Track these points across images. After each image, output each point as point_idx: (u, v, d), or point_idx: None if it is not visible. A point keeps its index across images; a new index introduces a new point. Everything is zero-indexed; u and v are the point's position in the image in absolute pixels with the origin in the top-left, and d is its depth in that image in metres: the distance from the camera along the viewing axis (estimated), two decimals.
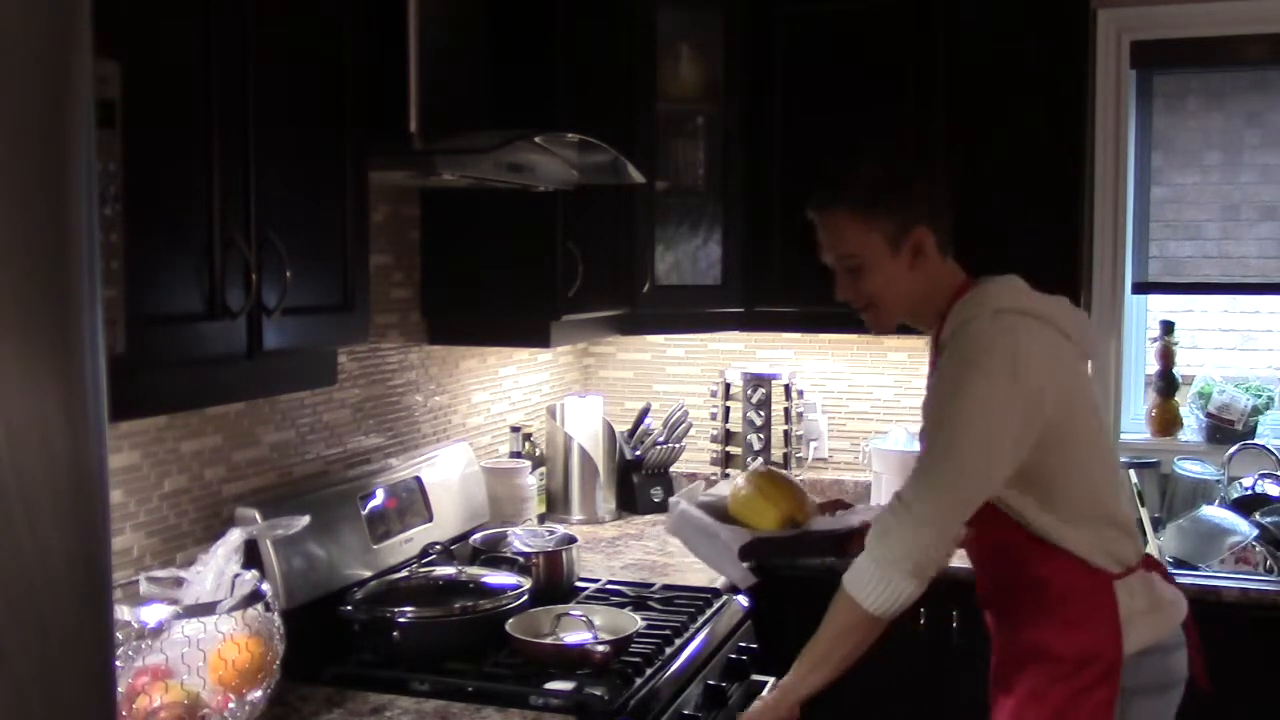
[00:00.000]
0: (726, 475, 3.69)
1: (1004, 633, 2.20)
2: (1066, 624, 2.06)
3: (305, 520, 2.13)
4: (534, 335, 2.94)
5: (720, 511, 2.49)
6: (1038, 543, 2.06)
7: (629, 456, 3.65)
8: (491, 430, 3.34)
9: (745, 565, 2.38)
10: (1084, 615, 2.05)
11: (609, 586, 2.78)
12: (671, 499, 2.55)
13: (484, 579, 2.51)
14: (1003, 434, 1.96)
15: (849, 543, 2.27)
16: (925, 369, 3.70)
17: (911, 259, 2.08)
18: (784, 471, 2.54)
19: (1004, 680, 2.17)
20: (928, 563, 1.94)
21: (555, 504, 3.48)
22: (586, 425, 3.48)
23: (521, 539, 2.77)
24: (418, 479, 2.75)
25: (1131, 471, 3.34)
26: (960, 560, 3.08)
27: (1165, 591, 2.15)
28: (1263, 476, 3.28)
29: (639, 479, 3.65)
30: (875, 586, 1.95)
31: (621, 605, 2.58)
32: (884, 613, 1.96)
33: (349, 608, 2.30)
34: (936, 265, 2.11)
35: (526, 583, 2.46)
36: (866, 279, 2.12)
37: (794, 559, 2.75)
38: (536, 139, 2.45)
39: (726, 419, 3.69)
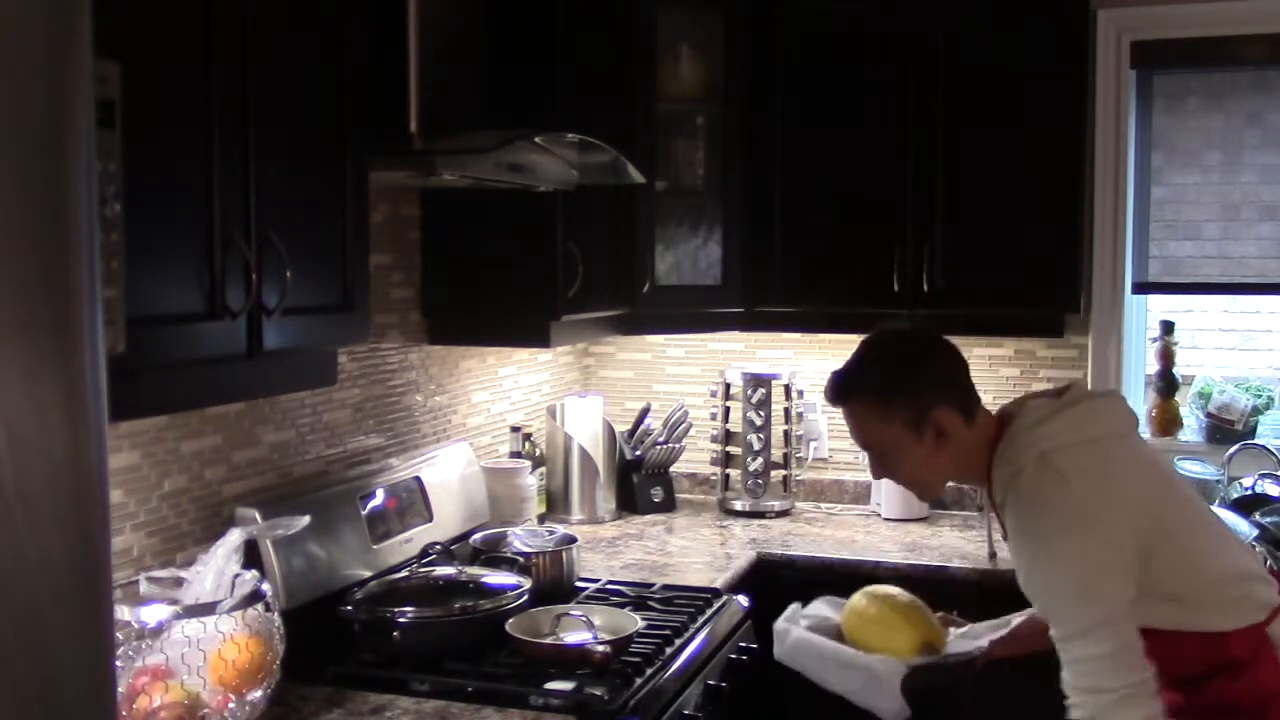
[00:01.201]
0: (740, 483, 3.69)
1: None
2: (1236, 678, 2.02)
3: (305, 520, 2.13)
4: (534, 335, 2.94)
5: (832, 632, 2.31)
6: (1171, 633, 2.02)
7: (629, 456, 3.64)
8: (491, 430, 3.34)
9: (900, 698, 2.20)
10: (1252, 668, 2.01)
11: (609, 586, 2.78)
12: (777, 625, 2.33)
13: (484, 579, 2.51)
14: (1107, 576, 1.93)
15: (985, 666, 2.26)
16: None
17: (935, 440, 2.05)
18: (905, 592, 2.35)
19: None
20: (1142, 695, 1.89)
21: (555, 504, 3.48)
22: (586, 425, 3.48)
23: (521, 539, 2.77)
24: (418, 479, 2.75)
25: None
26: (963, 561, 3.09)
27: None
28: (1263, 476, 3.28)
29: (639, 479, 3.65)
30: None
31: (621, 605, 2.58)
32: None
33: (349, 608, 2.30)
34: (964, 436, 2.06)
35: (526, 583, 2.46)
36: (895, 465, 2.11)
37: (946, 686, 2.46)
38: (536, 139, 2.45)
39: (726, 419, 3.69)
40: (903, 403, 2.04)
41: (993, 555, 2.28)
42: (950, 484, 2.18)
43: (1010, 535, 2.06)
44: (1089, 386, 3.53)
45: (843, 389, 2.11)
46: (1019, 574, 2.04)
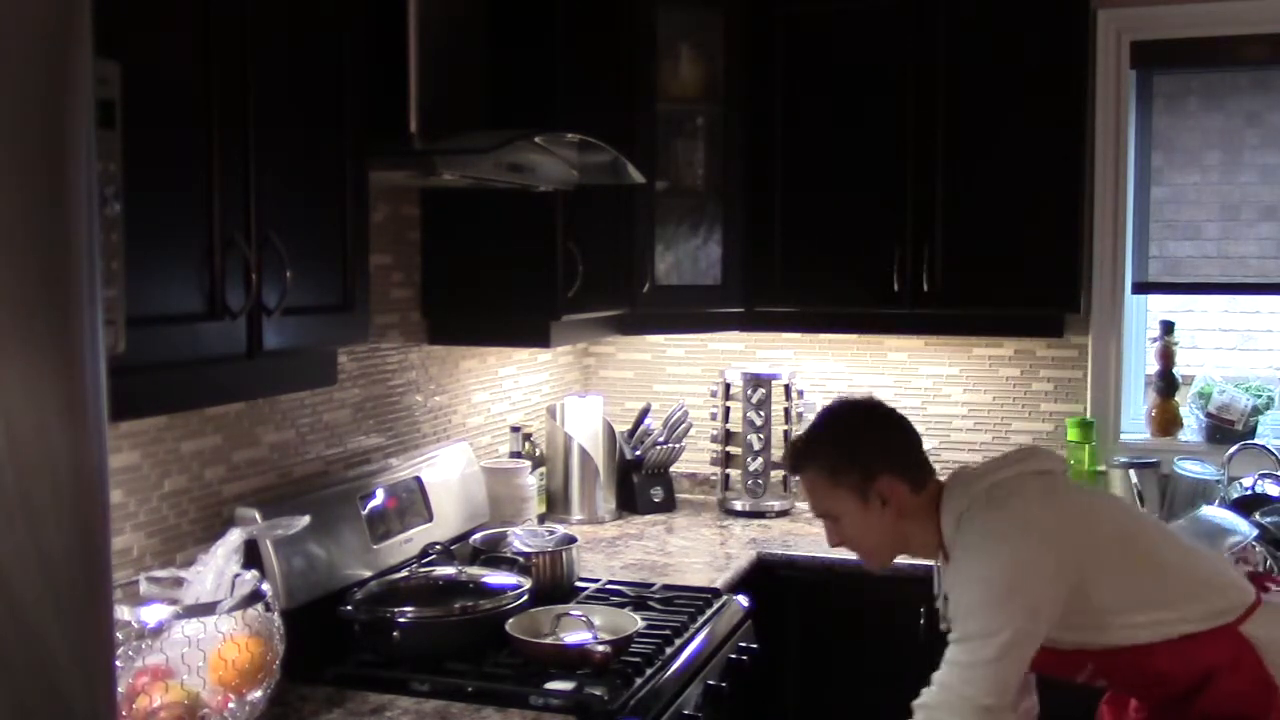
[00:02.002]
0: (726, 475, 3.69)
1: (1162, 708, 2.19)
2: (1219, 687, 2.05)
3: (305, 520, 2.13)
4: (534, 335, 2.94)
5: None
6: (1142, 650, 2.07)
7: (629, 456, 3.64)
8: (491, 430, 3.34)
9: None
10: (1232, 673, 2.04)
11: (609, 586, 2.78)
12: None
13: (484, 579, 2.51)
14: (1032, 586, 2.00)
15: None
16: (924, 370, 3.72)
17: (882, 507, 2.14)
18: None
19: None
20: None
21: (555, 504, 3.48)
22: (586, 425, 3.48)
23: (521, 539, 2.77)
24: (418, 479, 2.75)
25: (1132, 471, 3.34)
26: None
27: None
28: (1263, 476, 3.28)
29: (639, 479, 3.65)
30: None
31: (621, 605, 2.58)
32: None
33: (349, 608, 2.30)
34: (912, 504, 2.16)
35: (526, 583, 2.46)
36: (851, 531, 2.20)
37: None
38: (536, 139, 2.45)
39: (726, 419, 3.69)
40: (849, 470, 2.15)
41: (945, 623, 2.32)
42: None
43: (950, 571, 2.11)
44: (1088, 386, 3.54)
45: (797, 459, 2.23)
46: (954, 600, 2.09)
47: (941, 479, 2.21)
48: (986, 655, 1.96)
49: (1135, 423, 3.61)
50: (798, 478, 2.26)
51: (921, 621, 2.57)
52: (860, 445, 2.18)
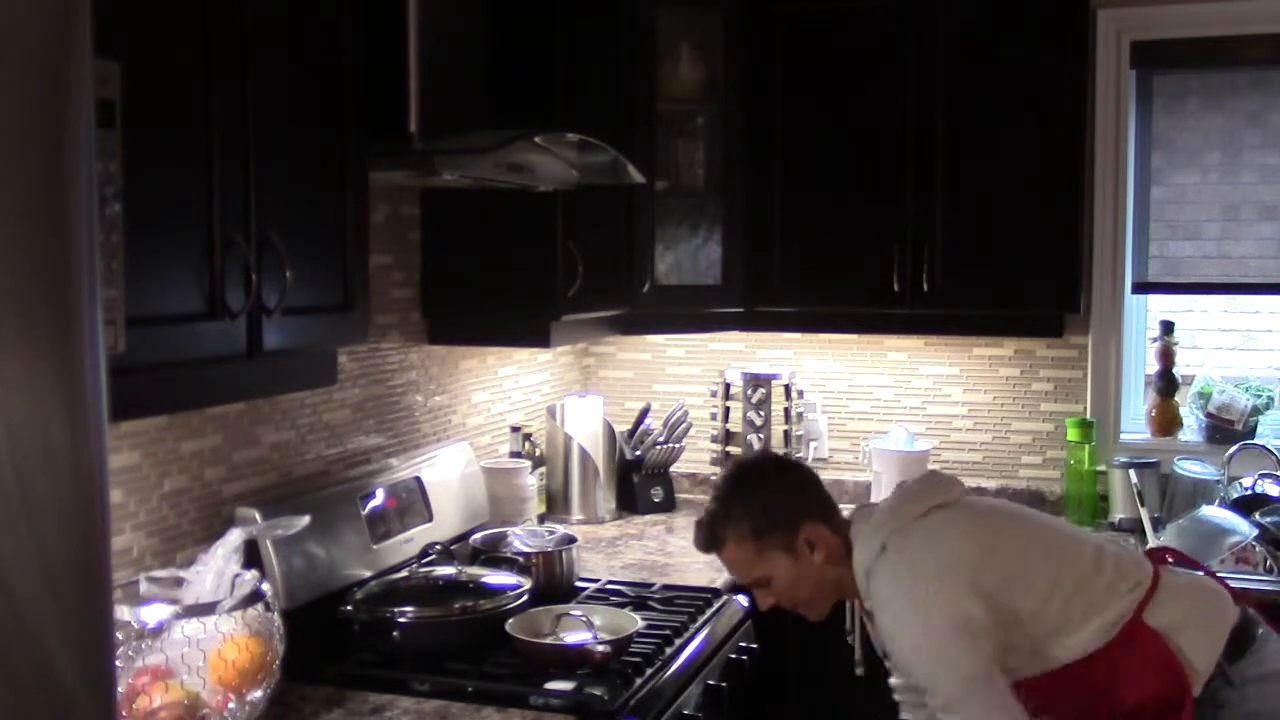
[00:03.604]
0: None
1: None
2: (1130, 679, 2.04)
3: (305, 520, 2.13)
4: (534, 335, 2.94)
5: None
6: (1078, 664, 2.06)
7: (629, 456, 3.64)
8: (491, 430, 3.34)
9: None
10: (1138, 662, 2.04)
11: (609, 586, 2.78)
12: None
13: (484, 579, 2.51)
14: (961, 636, 1.99)
15: None
16: (924, 370, 3.71)
17: (811, 554, 2.15)
18: None
19: None
20: None
21: (555, 504, 3.48)
22: (586, 425, 3.48)
23: (521, 539, 2.77)
24: (418, 479, 2.75)
25: (1132, 471, 3.34)
26: None
27: (1193, 580, 2.15)
28: (1263, 476, 3.28)
29: (639, 479, 3.65)
30: None
31: (621, 605, 2.58)
32: None
33: (349, 608, 2.30)
34: (837, 546, 2.16)
35: (526, 583, 2.46)
36: (779, 587, 2.19)
37: None
38: (536, 139, 2.45)
39: (726, 419, 3.69)
40: (773, 528, 2.15)
41: (859, 665, 2.34)
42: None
43: (881, 632, 2.12)
44: (1088, 386, 3.53)
45: (714, 535, 2.21)
46: (900, 662, 2.11)
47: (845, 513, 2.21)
48: (975, 705, 1.96)
49: (1135, 423, 3.61)
50: (716, 555, 2.23)
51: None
52: (775, 500, 2.18)
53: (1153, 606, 2.06)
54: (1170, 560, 2.21)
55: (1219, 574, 2.35)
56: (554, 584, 2.67)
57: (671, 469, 3.74)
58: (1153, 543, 3.03)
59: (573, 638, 2.30)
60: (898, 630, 2.05)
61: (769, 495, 2.19)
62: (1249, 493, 3.25)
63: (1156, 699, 2.02)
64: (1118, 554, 2.17)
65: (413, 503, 2.70)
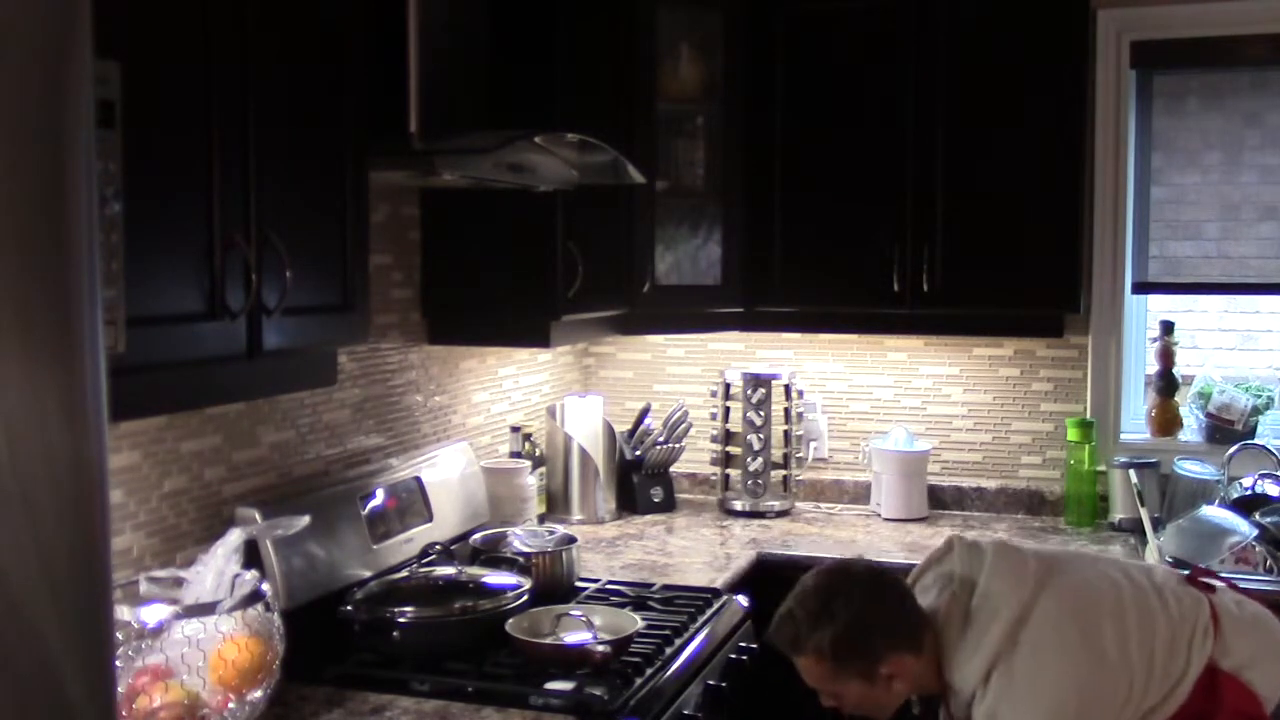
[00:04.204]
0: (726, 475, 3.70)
1: None
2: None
3: (305, 520, 2.13)
4: (534, 335, 2.94)
5: None
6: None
7: (629, 456, 3.64)
8: (491, 430, 3.34)
9: None
10: (1220, 707, 2.04)
11: (609, 586, 2.78)
12: None
13: (484, 579, 2.51)
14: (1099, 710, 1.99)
15: None
16: (924, 370, 3.71)
17: (888, 682, 2.08)
18: None
19: None
20: None
21: (555, 504, 3.48)
22: (586, 425, 3.48)
23: (521, 539, 2.77)
24: (418, 479, 2.75)
25: (1132, 471, 3.34)
26: None
27: (1246, 609, 2.15)
28: (1263, 476, 3.28)
29: (639, 479, 3.65)
30: None
31: (621, 605, 2.58)
32: None
33: (349, 608, 2.30)
34: (916, 669, 2.09)
35: (526, 583, 2.46)
36: (852, 704, 2.13)
37: None
38: (536, 139, 2.45)
39: (726, 419, 3.69)
40: (854, 657, 2.07)
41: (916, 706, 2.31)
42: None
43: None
44: (1088, 386, 3.53)
45: (794, 643, 2.12)
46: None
47: (928, 609, 2.12)
48: None
49: (1135, 423, 3.61)
50: (791, 655, 2.14)
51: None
52: (861, 624, 2.07)
53: (1221, 647, 2.07)
54: (1212, 585, 2.20)
55: (1220, 574, 2.36)
56: (554, 584, 2.67)
57: (671, 469, 3.74)
58: (1153, 542, 3.03)
59: (573, 638, 2.30)
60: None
61: (857, 616, 2.07)
62: (1249, 493, 3.25)
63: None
64: (1175, 594, 2.13)
65: (413, 503, 2.70)
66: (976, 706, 2.03)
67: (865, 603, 2.10)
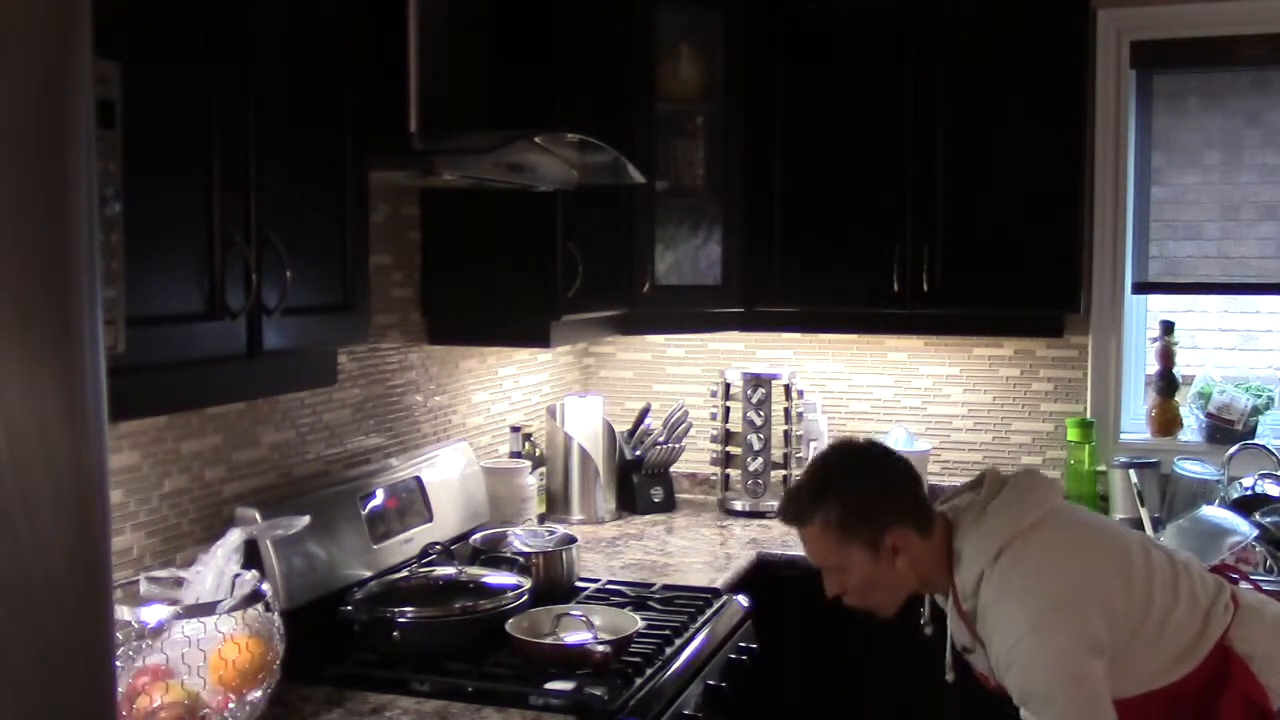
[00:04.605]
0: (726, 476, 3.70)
1: None
2: (1222, 705, 2.05)
3: (305, 520, 2.13)
4: (534, 335, 2.94)
5: None
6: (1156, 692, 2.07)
7: (629, 456, 3.64)
8: (491, 430, 3.34)
9: None
10: (1227, 687, 2.05)
11: (609, 586, 2.78)
12: None
13: (484, 579, 2.51)
14: (1079, 655, 1.98)
15: None
16: (924, 370, 3.71)
17: (893, 559, 2.10)
18: None
19: None
20: None
21: (555, 504, 3.48)
22: (586, 425, 3.48)
23: (521, 539, 2.77)
24: (418, 479, 2.75)
25: (1132, 471, 3.34)
26: None
27: (1269, 608, 2.15)
28: (1263, 476, 3.28)
29: (639, 479, 3.65)
30: None
31: (621, 605, 2.58)
32: None
33: (349, 608, 2.30)
34: (921, 550, 2.11)
35: (526, 583, 2.46)
36: (858, 585, 2.14)
37: None
38: (536, 139, 2.45)
39: (726, 419, 3.69)
40: (860, 525, 2.09)
41: (949, 671, 2.30)
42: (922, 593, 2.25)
43: (986, 638, 2.08)
44: (1088, 386, 3.53)
45: (799, 513, 2.14)
46: (1000, 674, 2.07)
47: (942, 510, 2.16)
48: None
49: (1135, 423, 3.61)
50: (796, 528, 2.16)
51: (922, 622, 2.56)
52: (870, 495, 2.11)
53: (1238, 631, 2.08)
54: (1234, 578, 2.21)
55: (1248, 575, 2.36)
56: (554, 584, 2.67)
57: (671, 469, 3.74)
58: None
59: (573, 638, 2.30)
60: (1015, 649, 2.00)
61: (866, 486, 2.12)
62: (1249, 493, 3.25)
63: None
64: (1197, 570, 2.16)
65: (413, 503, 2.70)
66: (985, 586, 2.04)
67: (875, 476, 2.14)
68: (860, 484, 2.13)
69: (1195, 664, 2.06)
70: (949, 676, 2.27)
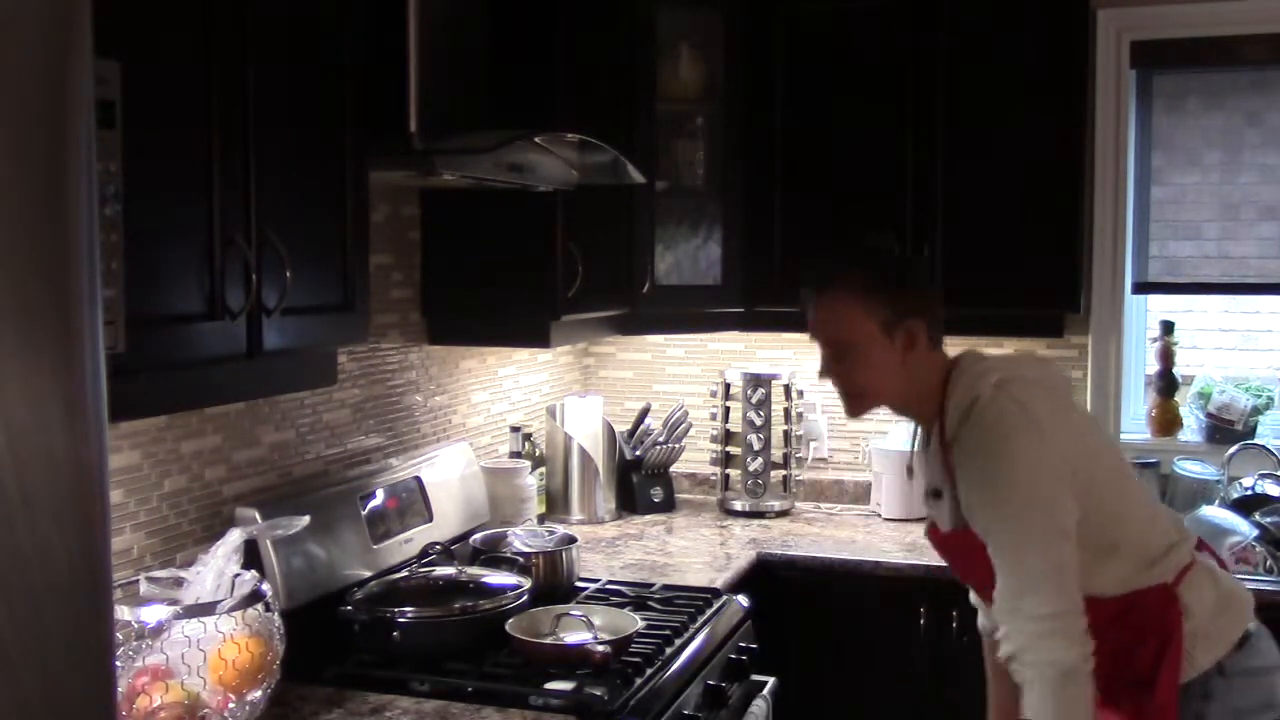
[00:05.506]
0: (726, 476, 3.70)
1: None
2: (1134, 642, 2.05)
3: (305, 520, 2.13)
4: (534, 335, 2.94)
5: None
6: (1103, 601, 2.05)
7: (629, 456, 3.64)
8: (491, 430, 3.34)
9: None
10: (1145, 631, 2.04)
11: (609, 586, 2.78)
12: None
13: (484, 579, 2.51)
14: (1059, 492, 1.98)
15: None
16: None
17: (903, 351, 2.09)
18: None
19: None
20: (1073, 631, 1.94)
21: (555, 504, 3.48)
22: (586, 425, 3.48)
23: (521, 539, 2.77)
24: (418, 479, 2.75)
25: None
26: None
27: (1224, 582, 2.14)
28: (1263, 476, 3.28)
29: (639, 479, 3.65)
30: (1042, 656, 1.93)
31: (621, 605, 2.58)
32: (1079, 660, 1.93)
33: (349, 608, 2.30)
34: (925, 357, 2.11)
35: (526, 583, 2.46)
36: (856, 365, 2.12)
37: None
38: (536, 139, 2.45)
39: (726, 419, 3.69)
40: (884, 302, 2.08)
41: (936, 497, 2.24)
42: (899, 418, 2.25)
43: (961, 466, 2.06)
44: (1088, 386, 3.53)
45: (826, 276, 2.12)
46: (968, 493, 2.05)
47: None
48: (1037, 567, 1.93)
49: (1135, 423, 3.61)
50: (816, 294, 2.13)
51: (922, 622, 2.56)
52: (904, 281, 2.12)
53: (1188, 582, 2.07)
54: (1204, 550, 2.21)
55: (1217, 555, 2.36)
56: (554, 584, 2.67)
57: (671, 469, 3.74)
58: None
59: (573, 638, 2.30)
60: (991, 463, 1.99)
61: (900, 274, 2.13)
62: (1249, 493, 3.25)
63: (1146, 671, 2.02)
64: (1172, 513, 2.19)
65: (413, 503, 2.70)
66: (977, 409, 2.03)
67: (911, 271, 2.17)
68: (896, 269, 2.14)
69: (1145, 584, 2.04)
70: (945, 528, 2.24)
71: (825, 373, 2.17)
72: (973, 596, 2.34)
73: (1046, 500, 1.96)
